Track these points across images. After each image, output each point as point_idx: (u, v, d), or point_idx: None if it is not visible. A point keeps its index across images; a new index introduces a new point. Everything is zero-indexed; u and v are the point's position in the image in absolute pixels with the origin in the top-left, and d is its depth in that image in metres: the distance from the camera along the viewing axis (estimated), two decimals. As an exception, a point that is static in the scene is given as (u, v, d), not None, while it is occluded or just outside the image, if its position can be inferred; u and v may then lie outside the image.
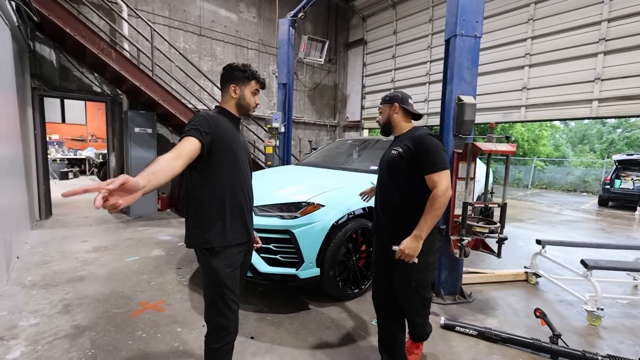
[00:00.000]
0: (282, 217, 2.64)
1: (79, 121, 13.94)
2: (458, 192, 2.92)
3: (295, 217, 2.62)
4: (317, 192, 2.80)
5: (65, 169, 11.11)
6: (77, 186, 1.08)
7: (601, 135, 23.47)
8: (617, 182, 9.64)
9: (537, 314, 2.48)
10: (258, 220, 2.63)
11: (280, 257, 2.64)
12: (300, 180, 3.36)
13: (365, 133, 9.61)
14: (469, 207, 2.80)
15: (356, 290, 2.97)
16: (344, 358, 2.17)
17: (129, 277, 3.31)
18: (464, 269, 3.30)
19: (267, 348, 2.24)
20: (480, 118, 6.39)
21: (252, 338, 2.35)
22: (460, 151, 2.85)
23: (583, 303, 2.83)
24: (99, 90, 5.92)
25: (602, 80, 5.28)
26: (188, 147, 1.36)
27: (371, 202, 2.37)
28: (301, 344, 2.31)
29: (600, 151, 21.10)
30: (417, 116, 1.92)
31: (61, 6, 4.45)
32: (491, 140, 2.77)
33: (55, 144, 12.31)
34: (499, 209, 2.81)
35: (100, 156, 9.98)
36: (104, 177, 8.55)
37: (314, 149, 8.18)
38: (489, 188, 3.16)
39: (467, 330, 2.46)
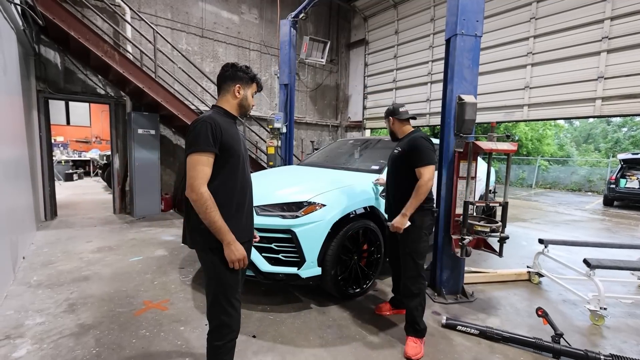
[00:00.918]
0: (284, 217, 2.65)
1: (84, 123, 14.05)
2: (459, 191, 2.92)
3: (297, 217, 2.64)
4: (318, 192, 2.81)
5: (70, 171, 11.22)
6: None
7: (606, 134, 23.28)
8: (623, 181, 9.55)
9: (539, 313, 2.47)
10: (260, 220, 2.65)
11: (282, 256, 2.65)
12: (302, 180, 3.37)
13: (367, 133, 9.61)
14: (470, 206, 2.80)
15: (358, 290, 2.98)
16: (346, 357, 2.18)
17: (133, 277, 3.34)
18: (466, 268, 3.29)
19: (268, 347, 2.26)
20: (482, 117, 6.37)
21: (254, 337, 2.36)
22: (461, 150, 2.85)
23: (586, 302, 2.81)
24: (102, 92, 5.98)
25: (605, 78, 5.24)
26: (209, 171, 1.47)
27: (372, 202, 3.01)
28: (303, 342, 2.32)
29: (605, 150, 20.92)
30: (412, 118, 2.44)
31: (65, 10, 4.50)
32: (492, 139, 2.77)
33: (60, 145, 12.43)
34: (501, 208, 2.80)
35: (105, 158, 10.06)
36: (108, 179, 8.62)
37: (316, 149, 8.20)
38: (490, 187, 3.16)
39: (469, 329, 2.46)
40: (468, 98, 2.82)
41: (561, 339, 2.25)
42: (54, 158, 6.85)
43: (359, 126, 9.56)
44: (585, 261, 2.91)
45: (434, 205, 2.42)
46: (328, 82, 9.49)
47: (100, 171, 11.18)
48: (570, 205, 9.84)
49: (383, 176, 3.04)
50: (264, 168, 6.30)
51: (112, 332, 2.37)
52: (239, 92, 1.63)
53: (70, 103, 12.87)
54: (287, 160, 6.01)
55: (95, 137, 14.44)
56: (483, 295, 3.16)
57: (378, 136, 5.70)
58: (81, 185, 10.43)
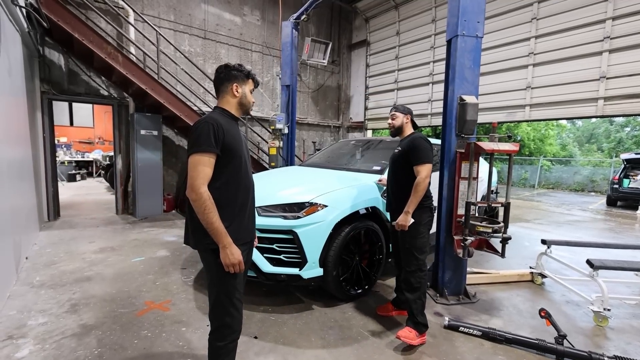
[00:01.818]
0: (286, 218, 2.65)
1: (87, 124, 14.14)
2: (461, 191, 2.91)
3: (299, 217, 2.64)
4: (320, 193, 2.81)
5: (73, 171, 11.29)
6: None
7: (609, 134, 23.15)
8: (626, 181, 9.49)
9: (542, 314, 2.46)
10: (261, 221, 2.65)
11: (284, 257, 2.65)
12: (304, 181, 3.38)
13: (369, 134, 9.61)
14: (472, 207, 2.79)
15: (359, 291, 2.97)
16: (347, 358, 2.17)
17: (135, 278, 3.35)
18: (468, 269, 3.28)
19: (270, 348, 2.26)
20: (484, 118, 6.35)
21: (255, 338, 2.36)
22: (463, 151, 2.85)
23: (589, 304, 2.80)
24: (106, 93, 6.01)
25: (607, 78, 5.22)
26: (210, 171, 1.47)
27: (374, 203, 3.02)
28: (304, 344, 2.32)
29: (608, 150, 20.81)
30: (416, 126, 2.62)
31: (70, 12, 4.54)
32: (494, 140, 2.76)
33: (63, 146, 12.51)
34: (503, 208, 2.79)
35: (107, 158, 10.10)
36: (110, 179, 8.66)
37: (318, 149, 8.20)
38: (493, 188, 3.15)
39: (471, 330, 2.45)
40: (469, 99, 2.81)
41: (564, 341, 2.24)
42: (57, 159, 6.89)
43: (360, 127, 9.56)
44: (588, 262, 2.89)
45: (432, 202, 2.51)
46: (330, 83, 9.50)
47: (103, 172, 11.23)
48: (573, 205, 9.80)
49: (385, 176, 3.07)
50: (266, 169, 6.31)
51: (114, 333, 2.38)
52: (237, 91, 1.63)
53: (74, 104, 12.95)
54: (288, 161, 6.02)
55: (98, 138, 14.52)
56: (485, 296, 3.15)
57: (380, 137, 5.70)
58: (84, 185, 10.48)
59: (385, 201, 2.82)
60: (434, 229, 2.89)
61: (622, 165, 10.08)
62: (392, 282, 3.23)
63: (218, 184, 1.51)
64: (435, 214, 2.95)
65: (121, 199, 6.26)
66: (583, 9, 5.43)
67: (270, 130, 6.13)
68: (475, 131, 2.93)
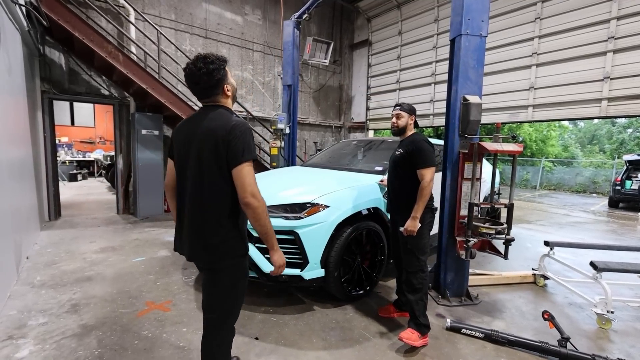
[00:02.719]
0: (287, 218, 2.64)
1: (88, 124, 14.15)
2: (464, 192, 2.89)
3: (300, 218, 2.62)
4: (321, 193, 2.80)
5: (74, 171, 11.29)
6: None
7: (611, 135, 23.07)
8: (628, 182, 9.45)
9: (545, 316, 2.44)
10: (262, 221, 2.63)
11: (285, 257, 2.63)
12: (305, 181, 3.36)
13: (371, 134, 9.58)
14: (475, 208, 2.77)
15: (361, 292, 2.95)
16: (349, 360, 2.16)
17: (136, 278, 3.34)
18: (471, 270, 3.26)
19: (271, 349, 2.24)
20: (486, 118, 6.32)
21: (256, 339, 2.35)
22: (466, 151, 2.82)
23: (593, 306, 2.78)
24: (106, 93, 6.00)
25: (611, 79, 5.19)
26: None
27: (375, 204, 2.99)
28: (305, 345, 2.30)
29: (611, 151, 20.72)
30: (417, 127, 2.61)
31: (70, 11, 4.52)
32: (497, 140, 2.74)
33: (64, 146, 12.51)
34: (506, 209, 2.77)
35: (108, 158, 10.10)
36: (111, 179, 8.66)
37: (319, 150, 8.18)
38: (496, 189, 3.12)
39: (474, 332, 2.43)
40: (473, 98, 2.79)
41: (568, 343, 2.22)
42: (58, 158, 6.89)
43: (362, 127, 9.53)
44: (592, 264, 2.87)
45: (434, 203, 2.49)
46: (331, 83, 9.48)
47: (104, 171, 11.24)
48: (575, 206, 9.76)
49: (375, 185, 3.10)
50: (267, 169, 6.29)
51: (115, 333, 2.36)
52: (229, 89, 1.52)
53: (75, 104, 12.96)
54: (290, 161, 6.00)
55: (100, 138, 14.53)
56: (488, 298, 3.13)
57: (381, 137, 5.68)
58: (85, 185, 10.48)
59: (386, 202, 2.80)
60: (435, 230, 2.87)
61: (625, 167, 10.04)
62: (393, 283, 3.20)
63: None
64: (437, 215, 2.92)
65: (122, 198, 6.25)
66: (587, 9, 5.39)
67: (272, 130, 6.11)
68: (479, 131, 2.91)
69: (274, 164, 5.85)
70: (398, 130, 2.51)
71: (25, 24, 4.03)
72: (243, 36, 7.60)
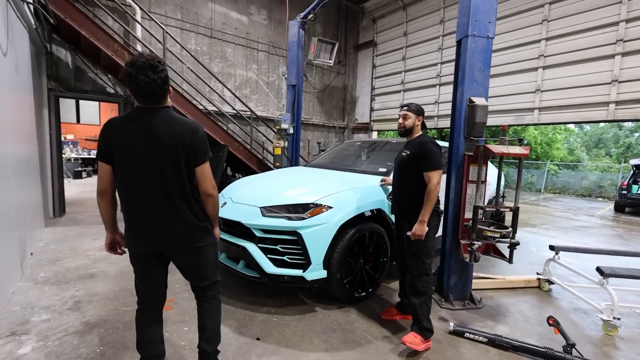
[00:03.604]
0: (290, 218, 2.63)
1: (93, 121, 14.25)
2: (469, 195, 2.86)
3: (303, 219, 2.61)
4: (325, 194, 2.78)
5: (79, 168, 11.37)
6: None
7: (618, 139, 22.84)
8: (635, 187, 9.33)
9: (550, 322, 2.40)
10: (265, 221, 2.63)
11: (287, 258, 2.63)
12: (308, 182, 3.35)
13: (375, 135, 9.56)
14: (480, 211, 2.74)
15: (363, 293, 2.93)
16: (350, 362, 2.14)
17: (138, 276, 3.34)
18: (474, 274, 3.23)
19: (272, 349, 2.23)
20: (492, 120, 6.28)
21: (258, 339, 2.34)
22: (472, 154, 2.80)
23: (599, 312, 2.73)
24: (112, 91, 6.04)
25: (619, 82, 5.13)
26: None
27: (379, 205, 2.98)
28: (307, 346, 2.29)
29: (617, 155, 20.52)
30: (425, 127, 2.56)
31: (77, 9, 4.56)
32: (503, 143, 2.71)
33: (70, 143, 12.61)
34: (511, 213, 2.74)
35: (113, 156, 10.17)
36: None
37: (323, 150, 8.17)
38: (501, 192, 3.09)
39: (477, 337, 2.40)
40: (479, 100, 2.76)
41: (573, 349, 2.19)
42: (63, 156, 6.93)
43: (366, 128, 9.51)
44: (598, 269, 2.83)
45: (440, 205, 2.46)
46: (336, 84, 9.47)
47: (108, 169, 11.27)
48: (580, 210, 9.66)
49: (389, 178, 3.05)
50: (270, 169, 6.29)
51: (117, 331, 2.37)
52: (170, 91, 1.61)
53: (81, 101, 13.05)
54: (293, 162, 5.99)
55: (105, 136, 14.59)
56: (491, 302, 3.10)
57: (385, 138, 5.65)
58: (90, 182, 10.54)
59: (390, 203, 2.78)
60: (439, 233, 2.85)
61: (632, 171, 9.92)
62: (395, 285, 3.18)
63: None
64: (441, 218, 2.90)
65: (126, 196, 6.26)
66: (596, 11, 5.34)
67: (275, 130, 6.11)
68: (484, 134, 2.88)
69: (278, 164, 5.85)
70: (405, 131, 2.47)
71: (33, 22, 4.06)
72: (248, 36, 7.62)
